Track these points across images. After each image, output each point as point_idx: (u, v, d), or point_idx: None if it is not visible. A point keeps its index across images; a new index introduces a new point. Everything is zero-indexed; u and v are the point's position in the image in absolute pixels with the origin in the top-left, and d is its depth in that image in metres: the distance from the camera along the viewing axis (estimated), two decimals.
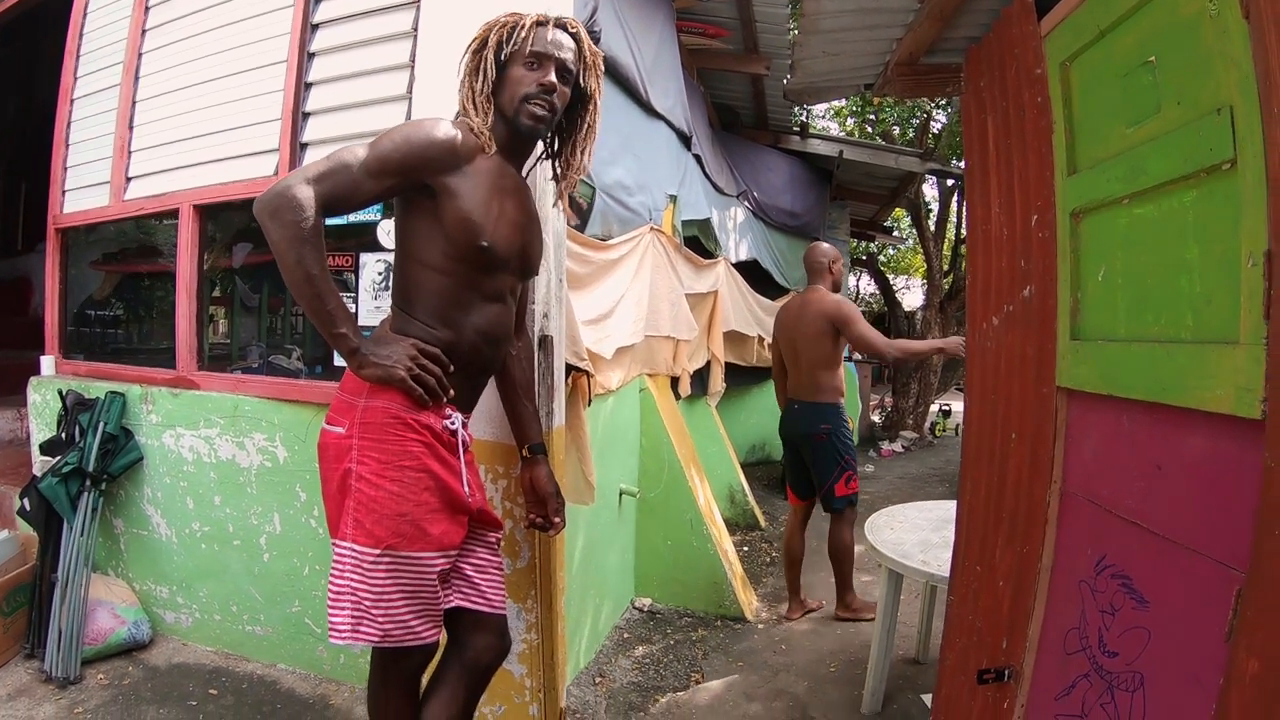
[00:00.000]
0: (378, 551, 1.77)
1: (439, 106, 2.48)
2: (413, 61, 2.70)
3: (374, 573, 1.77)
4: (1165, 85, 1.48)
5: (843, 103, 11.24)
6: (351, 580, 1.77)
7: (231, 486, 3.13)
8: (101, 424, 3.24)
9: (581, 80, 2.04)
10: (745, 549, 5.48)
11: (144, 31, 3.49)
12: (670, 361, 4.91)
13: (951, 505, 3.78)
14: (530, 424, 2.29)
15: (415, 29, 2.71)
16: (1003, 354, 2.12)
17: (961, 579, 2.29)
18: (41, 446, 3.40)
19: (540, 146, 2.18)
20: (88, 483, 3.19)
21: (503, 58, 1.96)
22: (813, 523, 4.46)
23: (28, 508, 3.17)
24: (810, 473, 4.25)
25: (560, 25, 1.99)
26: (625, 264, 4.02)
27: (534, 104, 1.93)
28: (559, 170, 2.17)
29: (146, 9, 3.49)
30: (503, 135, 1.99)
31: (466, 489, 1.94)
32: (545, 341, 2.53)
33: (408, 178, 1.84)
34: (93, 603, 3.17)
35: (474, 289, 1.94)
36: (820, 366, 4.16)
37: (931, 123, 9.96)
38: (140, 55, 3.49)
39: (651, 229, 4.31)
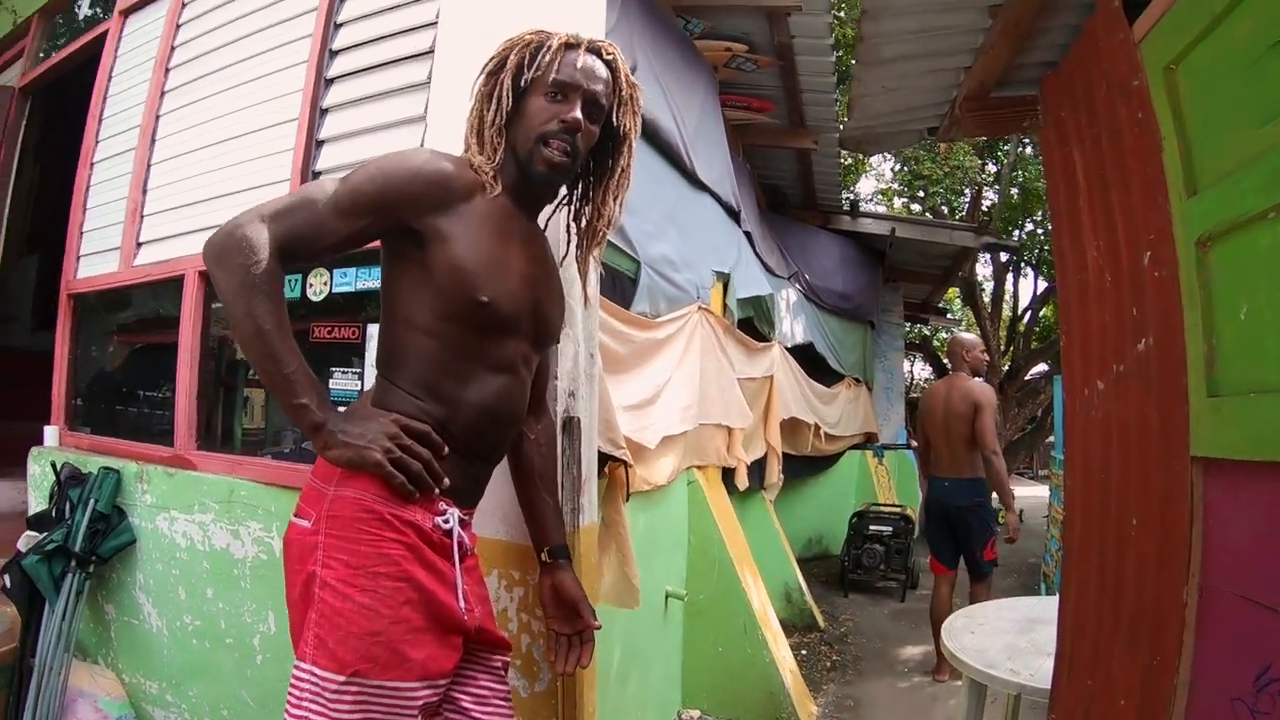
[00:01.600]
0: (342, 679, 1.39)
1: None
2: (425, 115, 2.50)
3: (338, 704, 1.39)
4: None
5: (889, 179, 11.09)
6: (310, 712, 1.40)
7: (225, 579, 2.84)
8: (92, 501, 3.03)
9: (615, 117, 1.69)
10: (803, 652, 5.02)
11: (162, 94, 3.41)
12: (724, 451, 4.59)
13: (1034, 602, 3.39)
14: (551, 522, 1.90)
15: (429, 79, 2.53)
16: (1113, 424, 1.76)
17: (1067, 695, 1.88)
18: (29, 521, 3.19)
19: (563, 189, 1.84)
20: (73, 563, 2.96)
21: (523, 83, 1.62)
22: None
23: (8, 585, 2.94)
24: (958, 543, 4.64)
25: (594, 50, 1.64)
26: (672, 345, 3.76)
27: (552, 147, 1.58)
28: (584, 219, 1.83)
29: (166, 70, 3.42)
30: (514, 177, 1.64)
31: (462, 603, 1.55)
32: (571, 424, 2.18)
33: (387, 217, 1.52)
34: (73, 693, 2.89)
35: (473, 356, 1.57)
36: (964, 446, 4.58)
37: (984, 197, 9.70)
38: (157, 118, 3.40)
39: (700, 308, 4.06)
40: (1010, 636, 2.74)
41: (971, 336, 5.15)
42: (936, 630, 4.28)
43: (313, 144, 2.82)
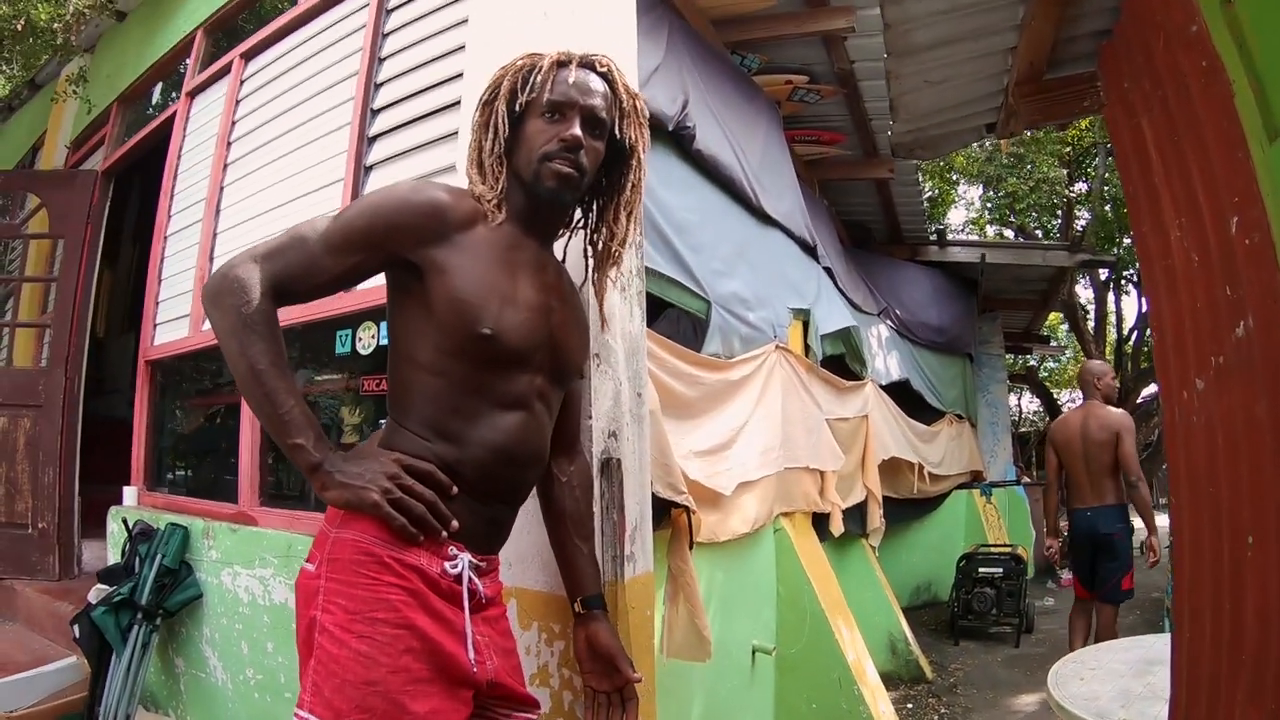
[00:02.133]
0: None
1: None
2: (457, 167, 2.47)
3: None
4: None
5: (979, 207, 10.69)
6: None
7: (284, 633, 2.80)
8: (159, 556, 3.12)
9: (619, 130, 1.61)
10: (909, 706, 4.66)
11: (225, 166, 3.55)
12: (814, 496, 4.37)
13: (1153, 641, 3.02)
14: (584, 570, 1.78)
15: (459, 132, 2.51)
16: (1217, 427, 1.50)
17: None
18: (100, 575, 3.33)
19: (577, 214, 1.76)
20: (139, 615, 3.05)
21: (518, 108, 1.56)
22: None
23: (77, 635, 3.07)
24: (1098, 568, 4.66)
25: (586, 64, 1.58)
26: (748, 386, 3.62)
27: (555, 163, 1.51)
28: (597, 241, 1.73)
29: (228, 144, 3.56)
30: (520, 204, 1.57)
31: (473, 654, 1.42)
32: (609, 466, 2.01)
33: (380, 251, 1.47)
34: None
35: (480, 392, 1.48)
36: (1105, 475, 4.63)
37: (1077, 214, 9.24)
38: (221, 189, 3.53)
39: (778, 347, 3.89)
40: (1125, 680, 2.46)
41: (1101, 364, 5.24)
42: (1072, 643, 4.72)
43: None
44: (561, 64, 1.56)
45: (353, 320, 2.83)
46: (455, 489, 1.43)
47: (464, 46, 2.59)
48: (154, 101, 4.74)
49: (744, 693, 3.51)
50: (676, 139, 3.33)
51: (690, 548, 2.78)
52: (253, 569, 2.95)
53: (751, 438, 3.54)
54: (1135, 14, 1.62)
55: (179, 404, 3.96)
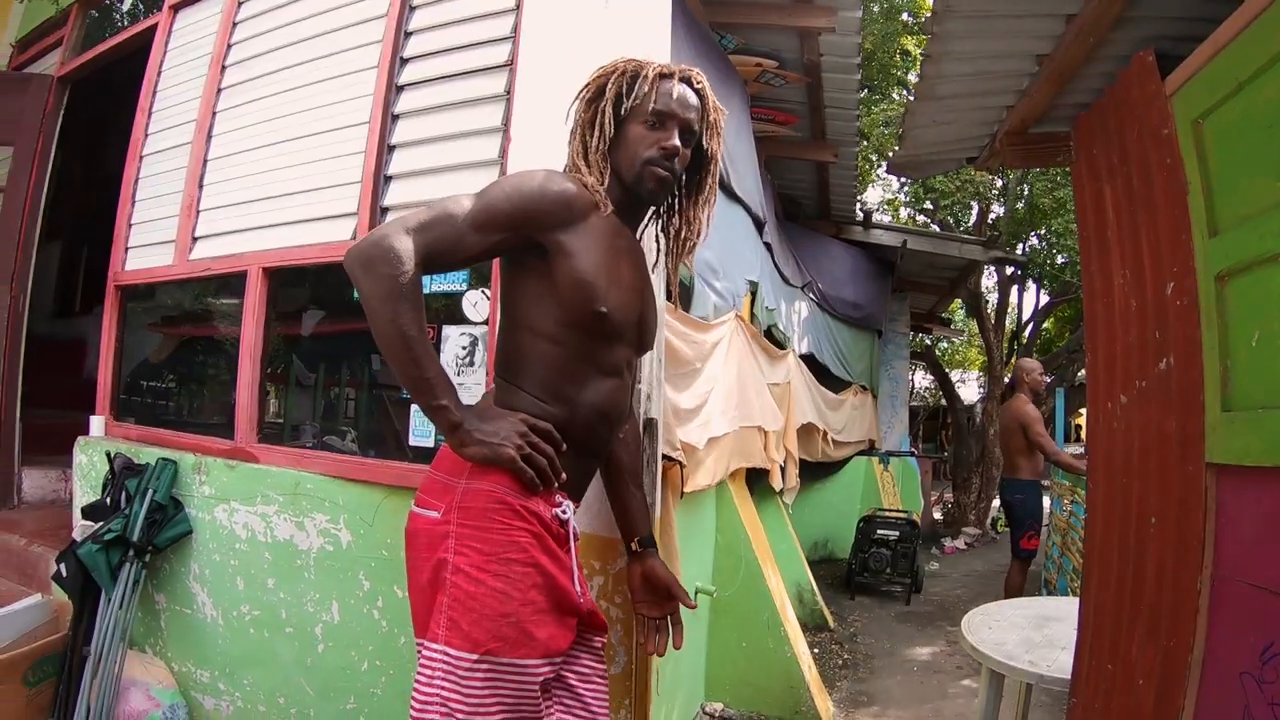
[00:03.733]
0: (475, 657, 1.53)
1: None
2: (506, 125, 2.64)
3: (469, 681, 1.53)
4: None
5: (897, 189, 11.27)
6: (443, 689, 1.53)
7: (287, 569, 2.92)
8: (150, 491, 3.07)
9: (704, 141, 1.87)
10: (816, 650, 5.20)
11: (219, 90, 3.50)
12: (761, 453, 4.77)
13: (1047, 602, 3.61)
14: (639, 514, 2.04)
15: (509, 92, 2.66)
16: (1135, 434, 1.97)
17: (1088, 680, 2.08)
18: (84, 510, 3.21)
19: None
20: (131, 553, 2.99)
21: (622, 112, 1.78)
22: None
23: (64, 574, 2.98)
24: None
25: (685, 79, 1.81)
26: (719, 349, 3.94)
27: (657, 168, 1.76)
28: (675, 231, 2.01)
29: (223, 68, 3.51)
30: (617, 196, 1.80)
31: (578, 587, 1.71)
32: (651, 425, 2.35)
33: (517, 233, 1.67)
34: (126, 681, 2.96)
35: (589, 361, 1.73)
36: (1017, 454, 5.67)
37: (991, 210, 9.90)
38: (214, 114, 3.49)
39: (736, 316, 4.26)
40: (1026, 632, 2.94)
41: (1033, 361, 6.15)
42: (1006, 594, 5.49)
43: (385, 148, 2.95)
44: (664, 76, 1.79)
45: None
46: (564, 445, 1.69)
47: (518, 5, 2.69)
48: (125, 8, 4.56)
49: (686, 630, 3.89)
50: None
51: (679, 500, 3.10)
52: (253, 505, 2.99)
53: (718, 397, 3.85)
54: (1116, 102, 2.05)
55: (150, 333, 3.87)
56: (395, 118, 2.98)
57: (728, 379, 4.01)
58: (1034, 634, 2.91)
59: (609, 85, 1.80)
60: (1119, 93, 2.03)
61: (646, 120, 1.77)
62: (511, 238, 1.69)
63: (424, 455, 2.71)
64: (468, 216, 1.66)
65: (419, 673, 1.58)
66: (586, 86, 1.85)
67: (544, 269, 1.70)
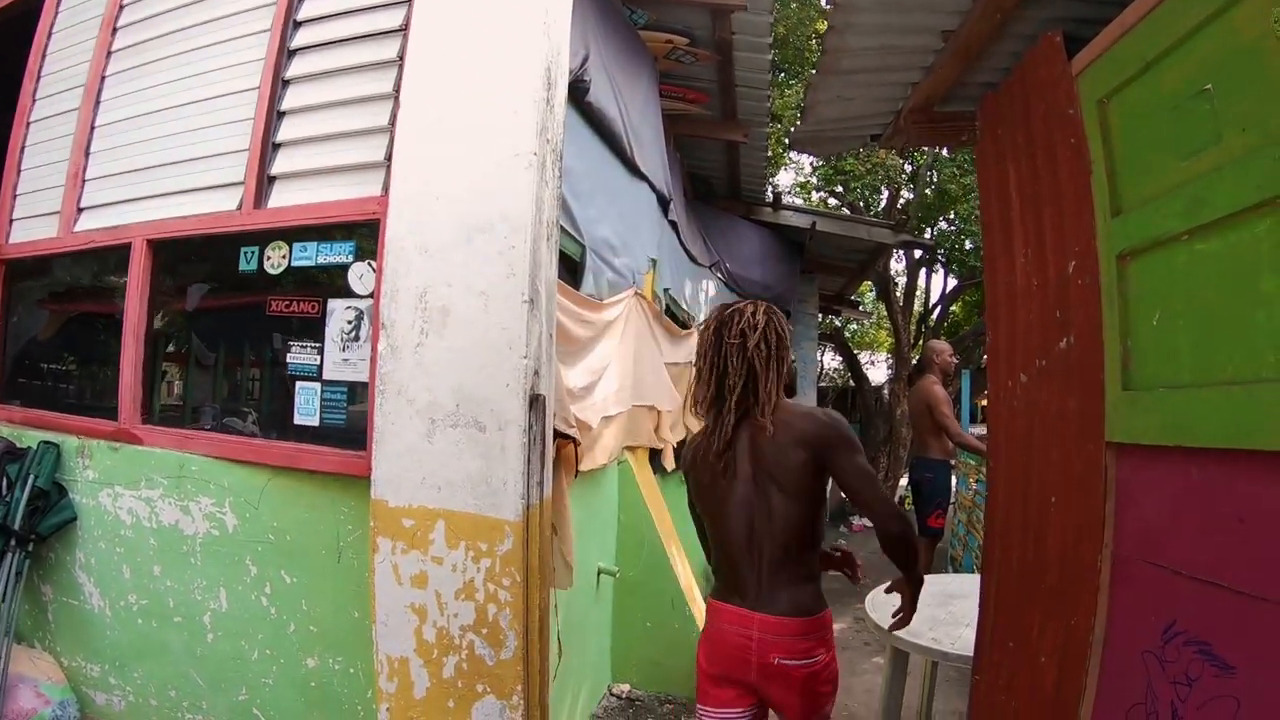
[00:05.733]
0: None
1: (423, 143, 2.32)
2: (397, 92, 2.51)
3: None
4: (1226, 113, 1.38)
5: (809, 173, 11.38)
6: None
7: (173, 556, 2.79)
8: (31, 477, 2.91)
9: None
10: None
11: (109, 54, 3.28)
12: (653, 434, 4.72)
13: (950, 579, 3.68)
14: None
15: (401, 58, 2.52)
16: (1035, 413, 1.98)
17: (991, 657, 2.10)
18: None
19: None
20: (12, 542, 2.84)
21: None
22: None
23: None
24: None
25: None
26: (614, 328, 3.87)
27: None
28: None
29: (114, 30, 3.29)
30: None
31: None
32: (537, 402, 2.25)
33: None
34: (14, 678, 2.80)
35: None
36: (926, 434, 5.75)
37: (901, 194, 10.08)
38: (103, 78, 3.27)
39: (636, 293, 4.18)
40: (930, 609, 2.97)
41: (942, 343, 6.23)
42: None
43: (274, 115, 2.80)
44: None
45: (260, 238, 2.77)
46: None
47: None
48: None
49: (589, 611, 3.82)
50: (573, 90, 3.50)
51: (573, 478, 3.05)
52: (138, 489, 2.87)
53: (612, 376, 3.79)
54: (1023, 81, 2.04)
55: (37, 310, 3.62)
56: (286, 83, 2.83)
57: (623, 357, 3.94)
58: (938, 611, 2.95)
59: None
60: (1025, 72, 2.03)
61: None
62: None
63: (310, 435, 2.61)
64: None
65: None
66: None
67: None
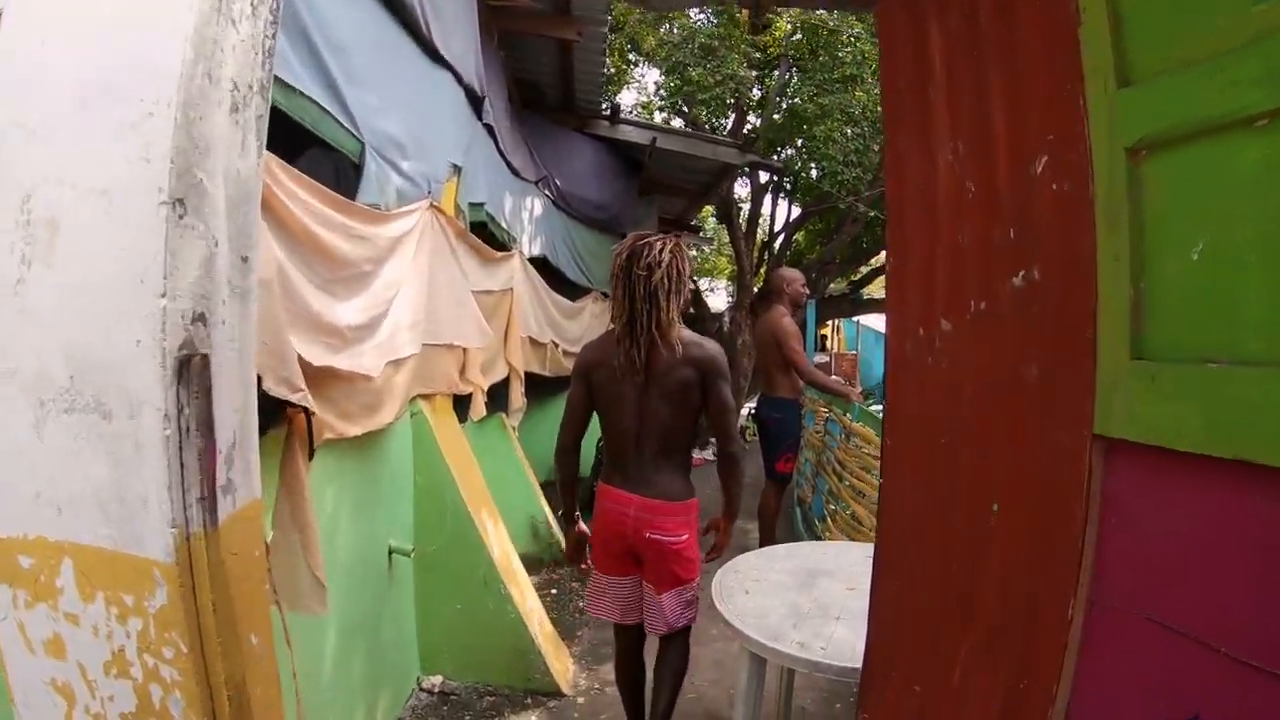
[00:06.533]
0: None
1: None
2: None
3: None
4: None
5: (654, 92, 10.70)
6: None
7: None
8: None
9: None
10: (553, 592, 4.67)
11: None
12: (454, 377, 3.97)
13: (809, 550, 3.13)
14: None
15: None
16: (966, 378, 1.40)
17: (883, 696, 1.56)
18: None
19: None
20: None
21: None
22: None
23: None
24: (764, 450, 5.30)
25: None
26: (403, 247, 3.06)
27: None
28: None
29: None
30: None
31: None
32: (188, 367, 1.39)
33: None
34: None
35: None
36: (775, 370, 5.22)
37: (747, 116, 9.56)
38: None
39: (431, 205, 3.38)
40: (791, 594, 2.47)
41: (793, 271, 5.58)
42: (761, 526, 5.33)
43: None
44: None
45: None
46: None
47: None
48: None
49: (382, 600, 3.18)
50: None
51: (310, 458, 2.30)
52: None
53: (403, 307, 3.06)
54: None
55: None
56: None
57: (414, 286, 3.18)
58: (801, 598, 2.45)
59: None
60: None
61: None
62: None
63: None
64: None
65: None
66: None
67: None
